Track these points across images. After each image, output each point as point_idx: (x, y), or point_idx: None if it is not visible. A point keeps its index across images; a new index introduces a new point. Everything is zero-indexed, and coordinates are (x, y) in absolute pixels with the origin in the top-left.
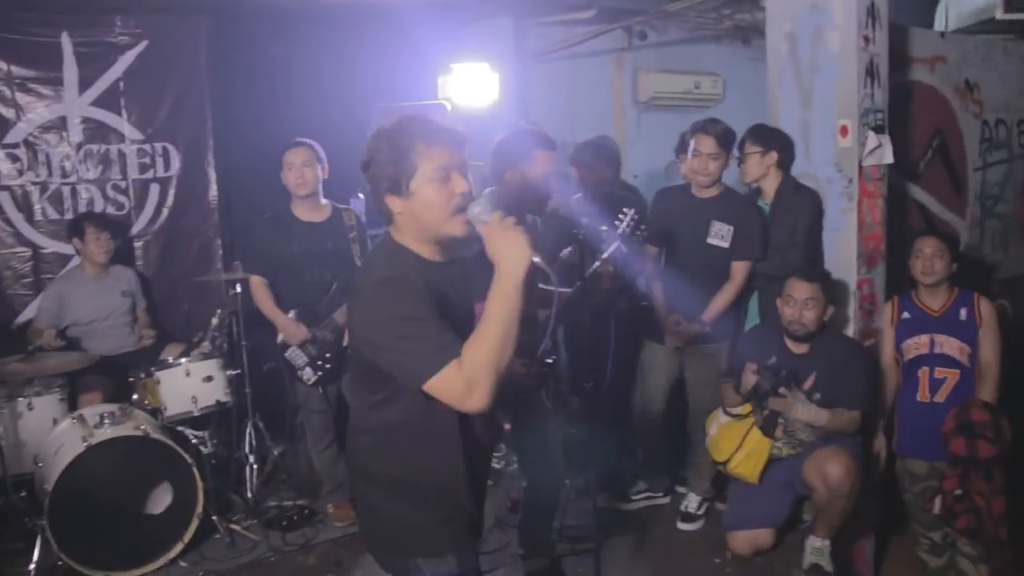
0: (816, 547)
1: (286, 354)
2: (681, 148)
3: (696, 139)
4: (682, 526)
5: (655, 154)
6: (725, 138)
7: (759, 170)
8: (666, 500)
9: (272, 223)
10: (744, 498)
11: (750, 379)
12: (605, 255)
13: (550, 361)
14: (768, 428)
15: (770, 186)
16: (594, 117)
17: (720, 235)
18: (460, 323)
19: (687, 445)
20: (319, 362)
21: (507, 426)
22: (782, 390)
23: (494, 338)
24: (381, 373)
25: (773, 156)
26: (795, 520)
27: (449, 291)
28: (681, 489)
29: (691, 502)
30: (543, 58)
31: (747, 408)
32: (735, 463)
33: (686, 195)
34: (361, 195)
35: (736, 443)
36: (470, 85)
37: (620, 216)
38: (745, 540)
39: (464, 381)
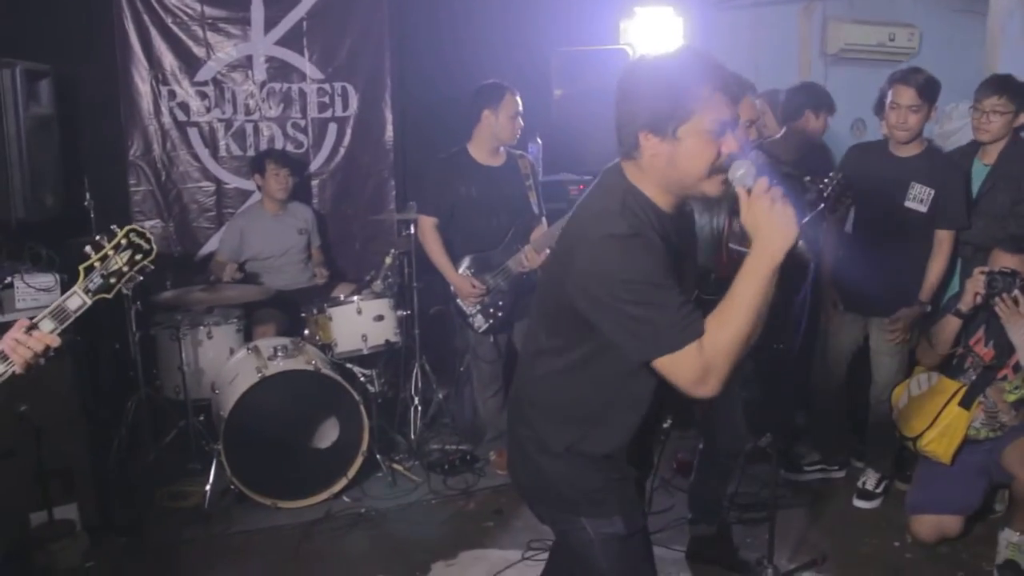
0: (1013, 542)
1: (457, 300)
2: (880, 105)
3: (894, 89)
4: (859, 503)
5: (842, 111)
6: (927, 88)
7: (1005, 131)
8: (841, 474)
9: (448, 163)
10: (932, 480)
11: (979, 279)
12: (806, 219)
13: None
14: (979, 384)
15: (996, 146)
16: (778, 69)
17: (919, 198)
18: (687, 283)
19: (866, 418)
20: (491, 310)
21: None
22: (1016, 293)
23: (742, 324)
24: (579, 330)
25: (1022, 118)
26: (985, 509)
27: (681, 248)
28: (858, 464)
29: (869, 479)
30: (727, 3)
31: (944, 383)
32: (927, 440)
33: (883, 153)
34: (539, 140)
35: (930, 419)
36: (653, 30)
37: (825, 180)
38: (930, 525)
39: (701, 366)
